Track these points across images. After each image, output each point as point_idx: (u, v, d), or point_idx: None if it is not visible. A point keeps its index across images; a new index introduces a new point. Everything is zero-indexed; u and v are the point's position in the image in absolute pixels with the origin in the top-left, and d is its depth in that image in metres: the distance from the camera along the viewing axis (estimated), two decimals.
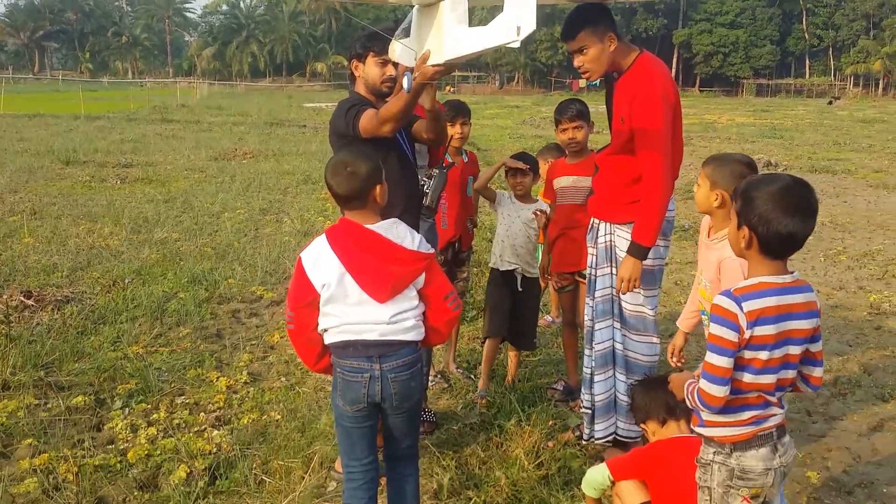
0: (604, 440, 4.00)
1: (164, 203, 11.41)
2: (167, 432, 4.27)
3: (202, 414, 4.52)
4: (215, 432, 4.25)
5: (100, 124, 26.76)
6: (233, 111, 35.81)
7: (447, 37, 2.76)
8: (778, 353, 2.38)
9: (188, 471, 3.81)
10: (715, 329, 2.34)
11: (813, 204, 2.34)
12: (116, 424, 4.36)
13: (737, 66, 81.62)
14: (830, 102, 57.19)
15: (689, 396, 2.48)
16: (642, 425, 3.19)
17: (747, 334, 2.32)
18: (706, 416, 2.48)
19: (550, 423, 4.23)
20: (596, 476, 3.06)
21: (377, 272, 2.83)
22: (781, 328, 2.35)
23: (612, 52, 3.64)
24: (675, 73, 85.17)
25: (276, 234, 9.49)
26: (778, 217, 2.29)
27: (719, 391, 2.34)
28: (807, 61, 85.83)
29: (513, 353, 5.05)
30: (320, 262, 2.86)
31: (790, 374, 2.45)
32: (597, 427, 3.99)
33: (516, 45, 2.38)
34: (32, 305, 6.31)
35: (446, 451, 3.98)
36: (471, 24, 2.72)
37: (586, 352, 4.02)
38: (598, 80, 3.87)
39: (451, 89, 76.03)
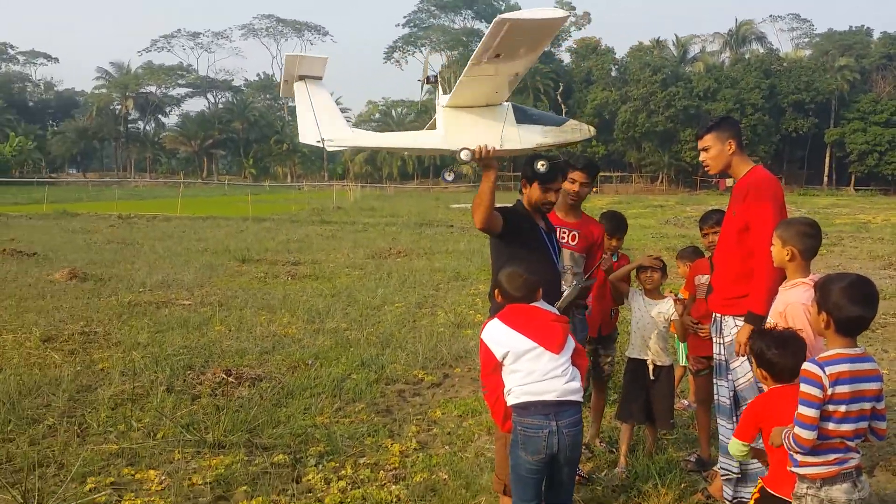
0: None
1: (331, 297, 12.61)
2: (354, 485, 5.11)
3: (381, 472, 5.34)
4: (393, 486, 5.05)
5: (266, 226, 29.09)
6: (385, 213, 37.89)
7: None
8: (854, 408, 3.07)
9: None
10: (805, 388, 3.07)
11: (874, 294, 3.13)
12: (312, 478, 5.23)
13: (894, 165, 78.69)
14: None
15: (786, 441, 3.15)
16: (759, 370, 3.61)
17: (829, 391, 3.03)
18: (800, 458, 3.13)
19: (683, 485, 4.80)
20: (735, 450, 3.58)
21: (548, 328, 3.75)
22: (855, 388, 3.06)
23: (730, 155, 4.50)
24: (827, 172, 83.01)
25: (431, 325, 10.39)
26: (847, 305, 3.08)
27: (809, 435, 3.05)
28: None
29: (650, 431, 5.64)
30: (497, 336, 3.71)
31: (863, 425, 3.13)
32: (747, 489, 4.47)
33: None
34: (232, 381, 7.38)
35: None
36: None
37: (726, 424, 4.56)
38: None
39: (595, 189, 76.85)
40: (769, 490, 3.47)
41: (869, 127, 79.18)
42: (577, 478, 4.89)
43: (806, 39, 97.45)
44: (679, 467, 5.24)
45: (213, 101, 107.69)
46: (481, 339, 3.87)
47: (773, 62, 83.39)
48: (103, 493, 4.94)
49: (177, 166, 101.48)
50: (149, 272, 15.16)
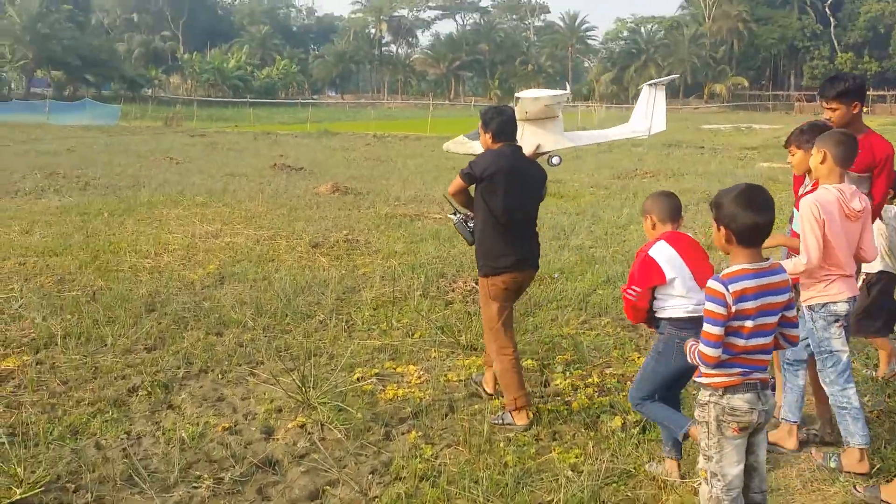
0: None
1: (576, 215, 12.65)
2: (601, 392, 5.21)
3: (629, 383, 5.37)
4: None
5: None
6: None
7: None
8: (760, 322, 3.09)
9: (622, 421, 4.69)
10: (709, 306, 3.09)
11: (767, 199, 3.11)
12: (560, 383, 5.40)
13: None
14: None
15: (691, 355, 3.17)
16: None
17: (734, 308, 3.04)
18: (704, 370, 3.12)
19: None
20: None
21: (703, 268, 3.90)
22: (759, 303, 3.07)
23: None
24: None
25: None
26: (740, 213, 3.06)
27: (713, 352, 3.08)
28: None
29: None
30: (669, 258, 3.89)
31: (769, 339, 3.16)
32: None
33: None
34: None
35: None
36: None
37: None
38: None
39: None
40: None
41: None
42: None
43: None
44: None
45: (461, 23, 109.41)
46: (648, 255, 3.94)
47: None
48: (369, 381, 5.39)
49: (425, 88, 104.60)
50: (402, 187, 15.96)
